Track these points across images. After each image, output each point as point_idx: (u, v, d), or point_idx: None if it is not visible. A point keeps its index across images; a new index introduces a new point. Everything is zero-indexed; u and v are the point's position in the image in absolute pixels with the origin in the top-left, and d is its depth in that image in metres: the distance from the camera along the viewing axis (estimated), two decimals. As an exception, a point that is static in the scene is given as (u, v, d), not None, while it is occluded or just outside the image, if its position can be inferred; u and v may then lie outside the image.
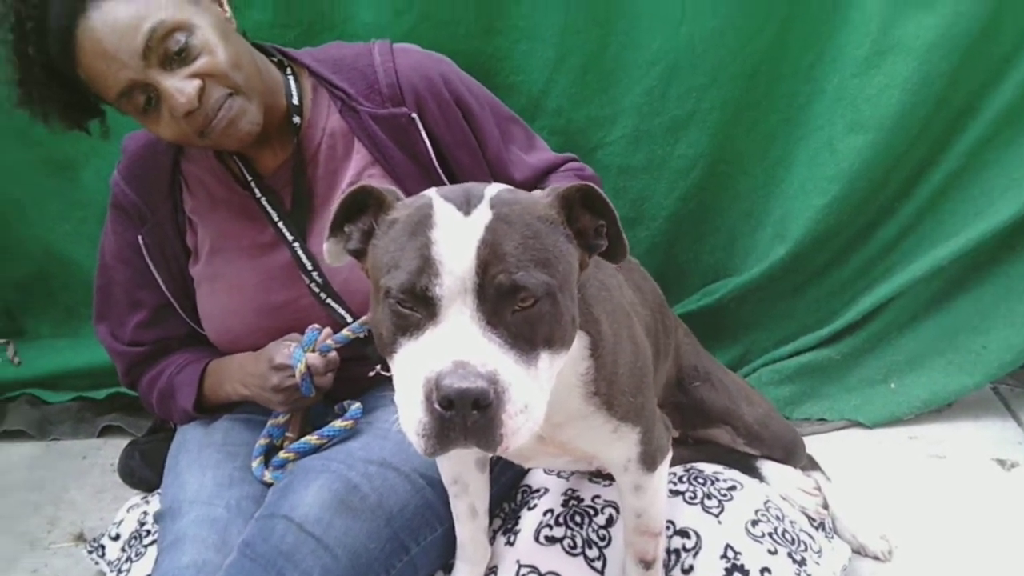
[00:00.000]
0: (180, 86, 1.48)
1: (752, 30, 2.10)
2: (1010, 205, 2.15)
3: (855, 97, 2.12)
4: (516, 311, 0.96)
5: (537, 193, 1.08)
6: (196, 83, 1.49)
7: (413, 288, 0.95)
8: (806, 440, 1.91)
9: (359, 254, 1.11)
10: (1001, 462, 2.09)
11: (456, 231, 0.96)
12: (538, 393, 0.98)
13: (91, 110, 1.62)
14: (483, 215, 0.98)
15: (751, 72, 2.15)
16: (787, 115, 2.22)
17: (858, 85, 2.11)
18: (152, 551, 1.72)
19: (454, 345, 0.93)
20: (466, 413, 0.91)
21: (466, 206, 0.99)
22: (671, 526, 1.59)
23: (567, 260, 1.03)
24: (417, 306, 0.96)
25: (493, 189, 1.04)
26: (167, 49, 1.47)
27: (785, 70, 2.17)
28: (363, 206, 1.09)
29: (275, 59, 1.73)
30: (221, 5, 1.61)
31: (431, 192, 1.05)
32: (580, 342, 1.16)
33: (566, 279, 1.02)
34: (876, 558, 1.77)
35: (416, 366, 0.95)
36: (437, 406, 0.91)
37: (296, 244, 1.68)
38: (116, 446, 2.34)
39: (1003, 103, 2.12)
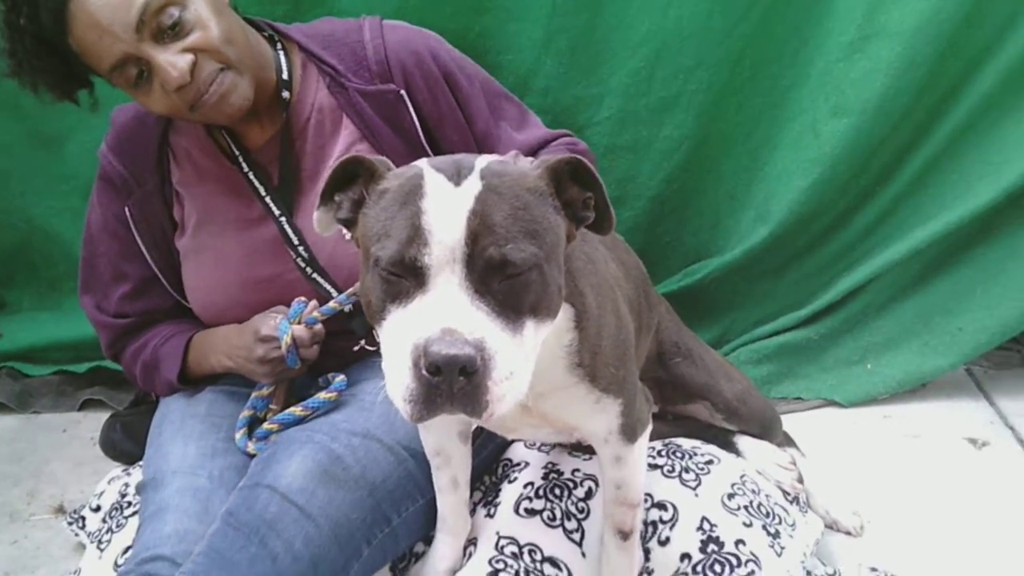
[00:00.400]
0: (173, 60, 1.48)
1: (738, 14, 2.11)
2: (987, 190, 2.18)
3: (839, 81, 2.14)
4: (504, 280, 0.97)
5: (526, 165, 1.09)
6: (189, 57, 1.49)
7: (403, 257, 0.96)
8: (783, 418, 1.94)
9: (349, 223, 1.12)
10: (973, 441, 2.13)
11: (446, 201, 0.97)
12: (524, 361, 1.00)
13: (81, 81, 1.61)
14: (473, 186, 0.99)
15: (737, 55, 2.17)
16: (772, 98, 2.24)
17: (842, 69, 2.13)
18: (133, 522, 1.73)
19: (442, 313, 0.95)
20: (453, 379, 0.92)
21: (456, 177, 1.00)
22: (649, 499, 1.61)
23: (555, 231, 1.04)
24: (406, 275, 0.97)
25: (483, 160, 1.05)
26: (160, 23, 1.47)
27: (770, 54, 2.18)
28: (354, 176, 1.10)
29: (266, 34, 1.73)
30: None
31: (422, 163, 1.06)
32: (565, 314, 1.18)
33: (553, 250, 1.04)
34: (848, 533, 1.81)
35: (404, 333, 0.96)
36: (425, 372, 0.93)
37: (283, 218, 1.68)
38: (97, 419, 2.35)
39: (984, 90, 2.15)
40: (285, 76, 1.69)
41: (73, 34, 1.48)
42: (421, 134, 1.71)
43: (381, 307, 1.01)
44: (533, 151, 1.81)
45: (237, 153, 1.70)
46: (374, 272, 1.00)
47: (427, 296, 0.96)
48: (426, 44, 1.74)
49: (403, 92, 1.69)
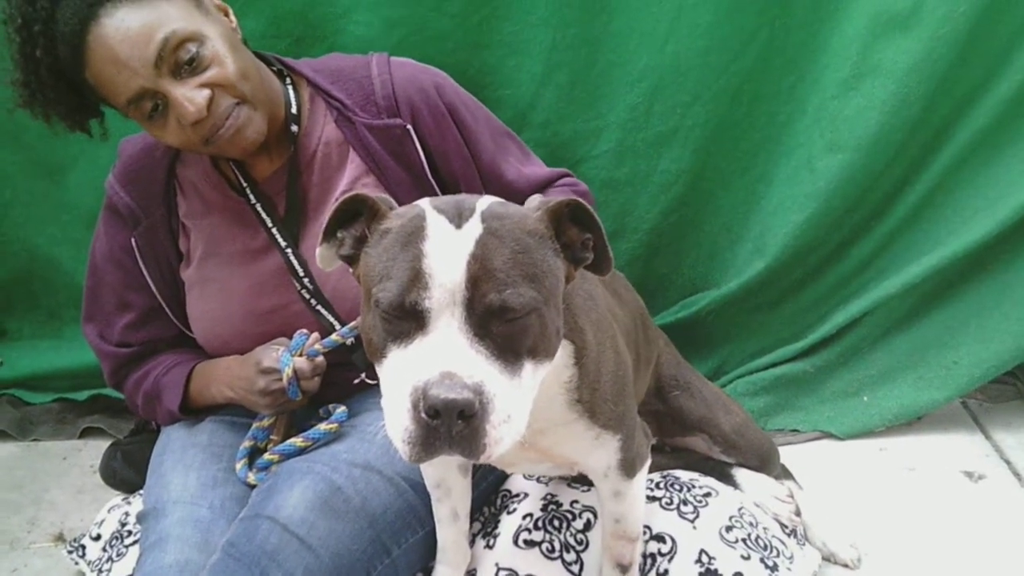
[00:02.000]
0: (190, 95, 1.50)
1: (736, 50, 2.14)
2: (982, 225, 2.20)
3: (834, 118, 2.17)
4: (503, 324, 0.99)
5: (527, 207, 1.11)
6: (206, 93, 1.51)
7: (403, 301, 0.97)
8: (779, 450, 1.95)
9: (351, 259, 1.14)
10: (969, 474, 2.14)
11: (447, 244, 0.99)
12: (522, 402, 1.02)
13: (92, 111, 1.63)
14: (474, 229, 1.00)
15: (734, 91, 2.20)
16: (768, 133, 2.27)
17: (837, 106, 2.16)
18: (134, 551, 1.73)
19: (442, 356, 0.96)
20: (451, 423, 0.94)
21: (458, 219, 1.01)
22: (647, 531, 1.62)
23: (554, 274, 1.06)
24: (407, 317, 0.99)
25: (485, 202, 1.06)
26: (178, 58, 1.49)
27: (767, 90, 2.21)
28: (356, 213, 1.12)
29: (275, 68, 1.76)
30: (228, 15, 1.63)
31: (424, 203, 1.07)
32: (565, 351, 1.19)
33: (552, 293, 1.05)
34: (846, 565, 1.81)
35: (404, 374, 0.98)
36: (424, 415, 0.94)
37: (288, 250, 1.69)
38: (97, 447, 2.34)
39: (977, 126, 2.18)
40: (294, 110, 1.71)
41: (90, 68, 1.49)
42: (427, 168, 1.73)
43: (381, 347, 1.02)
44: (535, 190, 1.83)
45: (244, 184, 1.72)
46: (375, 312, 1.02)
47: (427, 338, 0.98)
48: (432, 80, 1.77)
49: (409, 127, 1.71)
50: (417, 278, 0.97)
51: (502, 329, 0.99)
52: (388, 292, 0.99)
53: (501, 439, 0.98)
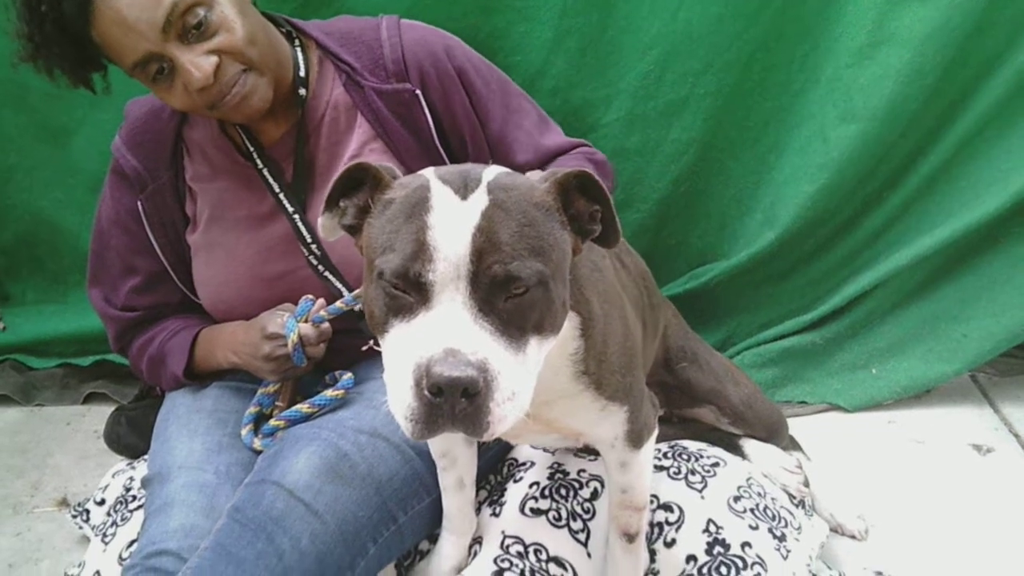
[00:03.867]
0: (197, 62, 1.48)
1: (749, 17, 2.11)
2: (996, 198, 2.18)
3: (848, 87, 2.14)
4: (508, 298, 0.97)
5: (534, 178, 1.08)
6: (213, 59, 1.49)
7: (407, 273, 0.95)
8: (788, 422, 1.95)
9: (353, 229, 1.12)
10: (977, 447, 2.14)
11: (452, 216, 0.96)
12: (526, 378, 1.00)
13: (96, 65, 1.61)
14: (480, 200, 0.98)
15: (746, 59, 2.17)
16: (780, 103, 2.24)
17: (852, 75, 2.13)
18: (138, 516, 1.73)
19: (445, 332, 0.94)
20: (455, 401, 0.92)
21: (463, 190, 0.99)
22: (655, 500, 1.62)
23: (561, 247, 1.04)
24: (410, 290, 0.97)
25: (491, 172, 1.04)
26: (186, 23, 1.47)
27: (780, 58, 2.18)
28: (360, 183, 1.09)
29: (284, 30, 1.73)
30: None
31: (429, 173, 1.05)
32: (571, 322, 1.18)
33: (559, 266, 1.03)
34: (853, 537, 1.82)
35: (407, 350, 0.96)
36: (427, 392, 0.92)
37: (296, 215, 1.68)
38: (100, 413, 2.35)
39: (993, 97, 2.15)
40: (302, 73, 1.69)
41: (97, 28, 1.47)
42: (435, 134, 1.71)
43: (384, 319, 1.00)
44: (550, 157, 1.81)
45: (251, 149, 1.70)
46: (377, 284, 1.00)
47: (431, 313, 0.96)
48: (443, 43, 1.74)
49: (418, 92, 1.69)
50: (421, 250, 0.95)
51: (508, 304, 0.96)
52: (391, 264, 0.96)
53: (505, 417, 0.96)
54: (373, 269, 1.01)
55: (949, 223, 2.23)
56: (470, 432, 0.95)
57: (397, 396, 0.96)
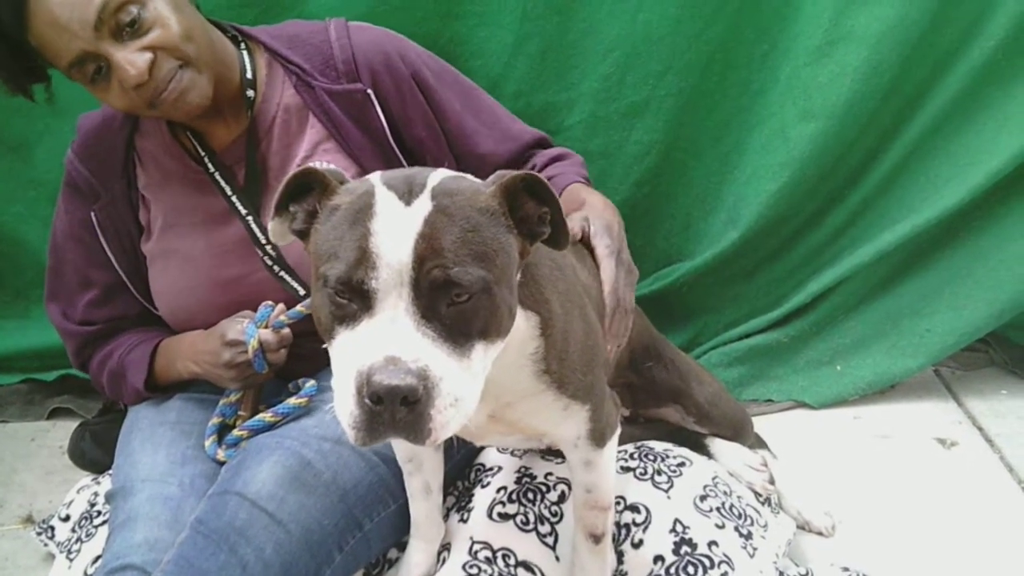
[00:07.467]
0: (131, 59, 1.47)
1: (707, 19, 2.13)
2: (955, 193, 2.21)
3: (807, 86, 2.16)
4: (451, 304, 0.96)
5: (480, 182, 1.08)
6: (147, 56, 1.48)
7: (350, 280, 0.95)
8: (754, 420, 1.96)
9: (303, 234, 1.11)
10: (942, 441, 2.16)
11: (395, 223, 0.96)
12: (471, 384, 1.00)
13: (37, 74, 1.59)
14: (423, 206, 0.97)
15: (706, 60, 2.18)
16: (741, 103, 2.26)
17: (810, 74, 2.15)
18: (103, 531, 1.71)
19: (387, 339, 0.94)
20: (395, 408, 0.92)
21: (407, 196, 0.99)
22: (622, 501, 1.62)
23: (506, 252, 1.03)
24: (354, 297, 0.96)
25: (436, 177, 1.03)
26: (119, 21, 1.46)
27: (739, 59, 2.20)
28: (309, 187, 1.09)
29: (229, 34, 1.72)
30: None
31: (375, 178, 1.04)
32: (530, 321, 1.18)
33: (504, 272, 1.02)
34: (820, 533, 1.83)
35: (351, 357, 0.96)
36: (367, 400, 0.92)
37: (250, 218, 1.67)
38: (65, 428, 2.32)
39: (950, 94, 2.18)
40: (249, 75, 1.68)
41: (32, 31, 1.46)
42: (389, 133, 1.71)
43: (330, 326, 1.00)
44: (518, 144, 1.81)
45: (203, 153, 1.69)
46: (323, 291, 0.99)
47: (373, 320, 0.96)
48: (393, 44, 1.74)
49: (370, 91, 1.68)
50: (364, 258, 0.95)
51: (451, 311, 0.96)
52: (335, 271, 0.96)
53: (447, 423, 0.96)
54: (319, 276, 1.01)
55: (909, 219, 2.26)
56: (412, 439, 0.95)
57: (341, 403, 0.97)
